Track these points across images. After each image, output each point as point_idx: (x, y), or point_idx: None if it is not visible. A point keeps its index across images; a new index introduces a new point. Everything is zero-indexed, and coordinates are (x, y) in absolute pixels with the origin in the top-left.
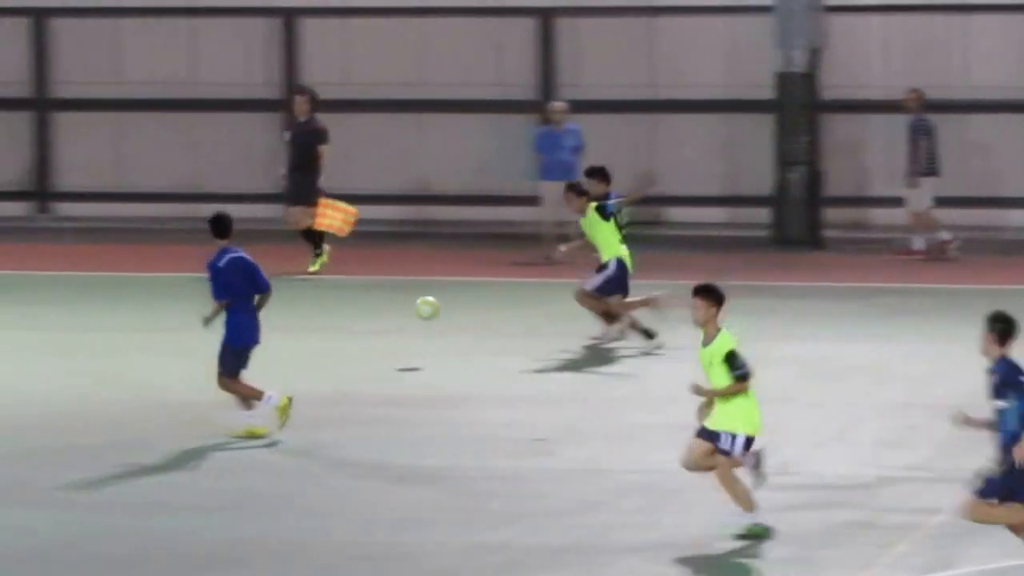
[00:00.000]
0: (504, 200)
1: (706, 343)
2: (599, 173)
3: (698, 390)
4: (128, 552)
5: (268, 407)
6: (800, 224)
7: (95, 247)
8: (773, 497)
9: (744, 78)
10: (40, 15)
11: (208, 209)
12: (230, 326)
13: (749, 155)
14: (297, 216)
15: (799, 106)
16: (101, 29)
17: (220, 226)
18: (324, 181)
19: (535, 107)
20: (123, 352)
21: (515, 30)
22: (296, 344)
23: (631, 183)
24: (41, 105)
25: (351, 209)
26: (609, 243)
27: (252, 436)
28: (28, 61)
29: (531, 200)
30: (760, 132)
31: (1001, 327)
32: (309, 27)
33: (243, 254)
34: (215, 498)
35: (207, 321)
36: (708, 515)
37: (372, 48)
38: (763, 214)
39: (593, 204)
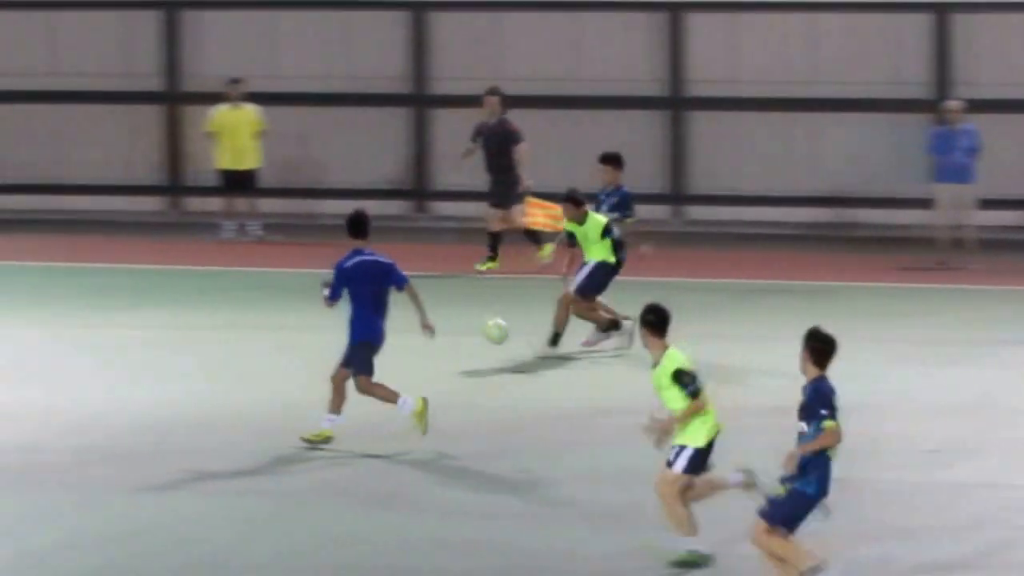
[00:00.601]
0: (896, 202)
1: (654, 365)
2: (614, 160)
3: (652, 425)
4: (488, 566)
5: (404, 411)
6: None
7: (474, 248)
8: None
9: None
10: (419, 9)
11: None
12: (355, 323)
13: None
14: (490, 217)
15: None
16: (481, 24)
17: (355, 226)
18: (530, 178)
19: (930, 106)
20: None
21: (910, 26)
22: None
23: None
24: (419, 102)
25: (556, 207)
26: (596, 252)
27: (321, 439)
28: (407, 56)
29: (924, 203)
30: None
31: (815, 346)
32: (695, 22)
33: (376, 256)
34: (544, 508)
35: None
36: None
37: (761, 44)
38: None
39: (600, 221)
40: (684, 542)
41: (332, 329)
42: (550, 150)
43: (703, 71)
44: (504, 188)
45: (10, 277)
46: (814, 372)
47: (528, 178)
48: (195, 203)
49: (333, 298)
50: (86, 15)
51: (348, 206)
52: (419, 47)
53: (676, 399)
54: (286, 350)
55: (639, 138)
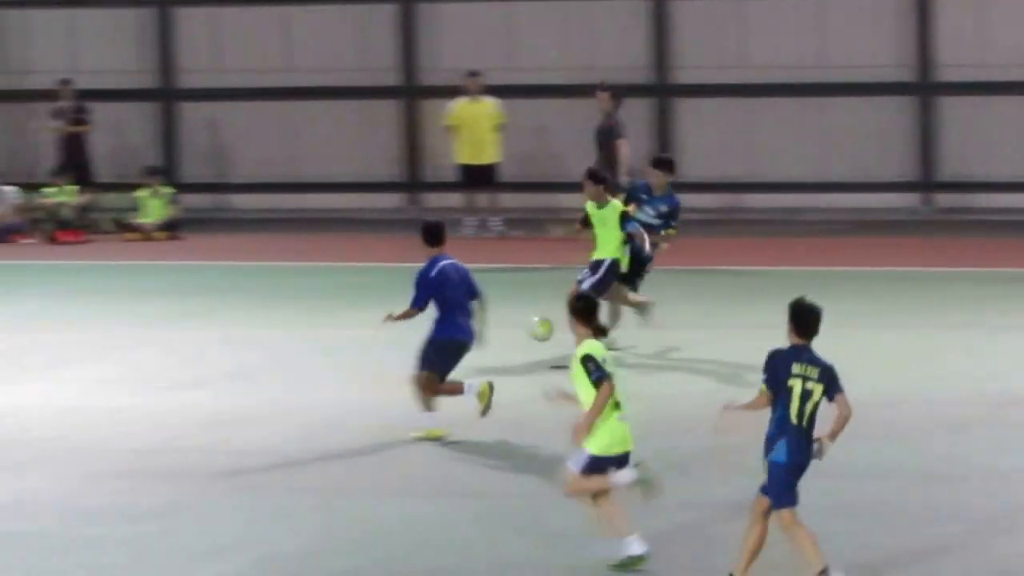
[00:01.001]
0: None
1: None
2: (666, 164)
3: (578, 432)
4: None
5: (469, 395)
6: None
7: (726, 241)
8: None
9: None
10: None
11: (835, 199)
12: (441, 323)
13: None
14: None
15: None
16: (723, 11)
17: (434, 235)
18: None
19: None
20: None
21: None
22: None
23: None
24: (661, 91)
25: None
26: (609, 242)
27: (431, 438)
28: (647, 46)
29: None
30: None
31: (795, 319)
32: (944, 4)
33: (456, 262)
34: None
35: (390, 318)
36: None
37: (1012, 25)
38: None
39: (619, 207)
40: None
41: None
42: (795, 138)
43: (952, 55)
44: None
45: (251, 277)
46: (794, 341)
47: (624, 175)
48: (434, 199)
49: (416, 306)
50: (321, 10)
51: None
52: (660, 36)
53: (584, 387)
54: (531, 348)
55: (886, 125)
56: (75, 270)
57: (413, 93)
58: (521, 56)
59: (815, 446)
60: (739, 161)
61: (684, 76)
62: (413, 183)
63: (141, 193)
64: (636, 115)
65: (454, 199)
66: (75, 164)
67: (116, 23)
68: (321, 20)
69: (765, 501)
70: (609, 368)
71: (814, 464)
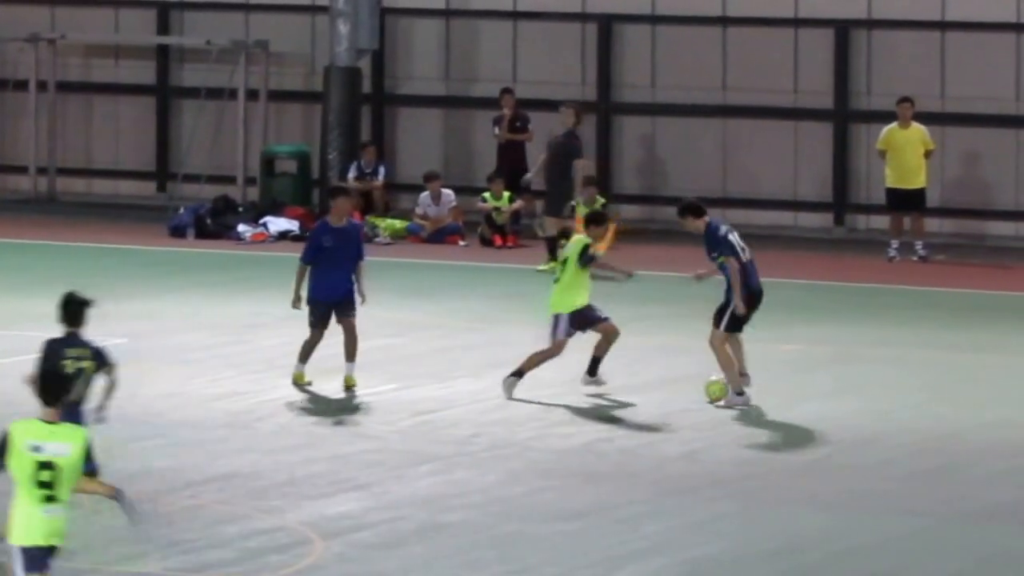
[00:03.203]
0: None
1: None
2: (688, 211)
3: None
4: None
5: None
6: None
7: None
8: None
9: None
10: None
11: None
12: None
13: None
14: (548, 224)
15: None
16: None
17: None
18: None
19: None
20: None
21: None
22: None
23: None
24: None
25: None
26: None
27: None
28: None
29: None
30: None
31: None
32: None
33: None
34: None
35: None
36: None
37: None
38: None
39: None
40: None
41: (994, 350)
42: None
43: None
44: (556, 197)
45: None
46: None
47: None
48: (861, 220)
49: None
50: (757, 32)
51: (1017, 228)
52: None
53: None
54: (936, 367)
55: None
56: (505, 272)
57: (845, 117)
58: (951, 85)
59: None
60: None
61: None
62: (841, 204)
63: (575, 202)
64: None
65: (881, 221)
66: (512, 171)
67: (559, 35)
68: (757, 42)
69: None
70: None
71: None
